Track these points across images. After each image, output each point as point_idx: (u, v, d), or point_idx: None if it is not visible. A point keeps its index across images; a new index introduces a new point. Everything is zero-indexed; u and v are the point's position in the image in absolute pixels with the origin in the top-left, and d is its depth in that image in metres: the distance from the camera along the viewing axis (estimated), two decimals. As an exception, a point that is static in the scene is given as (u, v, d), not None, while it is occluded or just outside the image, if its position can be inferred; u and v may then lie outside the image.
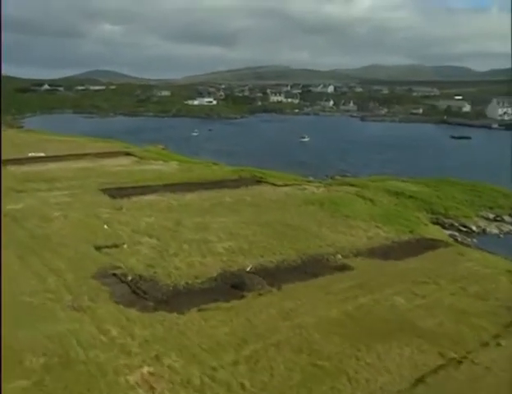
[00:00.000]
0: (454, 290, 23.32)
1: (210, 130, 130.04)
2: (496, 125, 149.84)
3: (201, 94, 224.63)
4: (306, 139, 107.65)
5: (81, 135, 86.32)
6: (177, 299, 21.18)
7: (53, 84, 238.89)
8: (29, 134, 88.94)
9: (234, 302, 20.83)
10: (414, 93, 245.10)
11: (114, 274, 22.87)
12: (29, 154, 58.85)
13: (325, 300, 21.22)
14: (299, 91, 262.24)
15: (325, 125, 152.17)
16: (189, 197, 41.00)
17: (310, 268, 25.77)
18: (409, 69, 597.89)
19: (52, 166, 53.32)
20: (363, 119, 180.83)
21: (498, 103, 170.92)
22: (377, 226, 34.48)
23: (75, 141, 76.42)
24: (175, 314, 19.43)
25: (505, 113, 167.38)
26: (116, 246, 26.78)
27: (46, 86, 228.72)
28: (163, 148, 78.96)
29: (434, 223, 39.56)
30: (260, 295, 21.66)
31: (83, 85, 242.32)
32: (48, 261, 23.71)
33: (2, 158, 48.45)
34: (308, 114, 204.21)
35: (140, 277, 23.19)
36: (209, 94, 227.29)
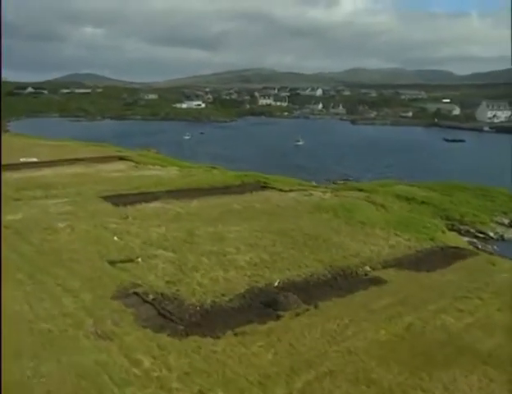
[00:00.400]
0: (499, 305, 21.72)
1: (202, 133, 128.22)
2: (487, 128, 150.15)
3: (189, 98, 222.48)
4: (300, 143, 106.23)
5: (71, 139, 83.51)
6: (208, 320, 19.15)
7: (37, 87, 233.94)
8: (17, 138, 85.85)
9: (271, 323, 18.92)
10: (402, 96, 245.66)
11: (136, 293, 20.79)
12: (21, 159, 56.13)
13: (369, 320, 19.42)
14: (288, 94, 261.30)
15: (316, 129, 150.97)
16: (196, 204, 39.12)
17: (342, 282, 24.01)
18: (392, 72, 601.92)
19: (46, 172, 50.96)
20: (353, 122, 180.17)
21: (487, 106, 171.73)
22: (396, 234, 33.00)
23: (67, 145, 73.82)
24: (210, 340, 17.43)
25: (494, 116, 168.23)
26: (130, 260, 24.61)
27: (30, 89, 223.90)
28: (156, 153, 77.00)
29: (450, 230, 38.19)
30: (297, 314, 19.79)
31: (68, 88, 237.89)
32: (61, 279, 21.40)
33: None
34: (297, 117, 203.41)
35: (162, 295, 21.14)
36: (197, 97, 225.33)
